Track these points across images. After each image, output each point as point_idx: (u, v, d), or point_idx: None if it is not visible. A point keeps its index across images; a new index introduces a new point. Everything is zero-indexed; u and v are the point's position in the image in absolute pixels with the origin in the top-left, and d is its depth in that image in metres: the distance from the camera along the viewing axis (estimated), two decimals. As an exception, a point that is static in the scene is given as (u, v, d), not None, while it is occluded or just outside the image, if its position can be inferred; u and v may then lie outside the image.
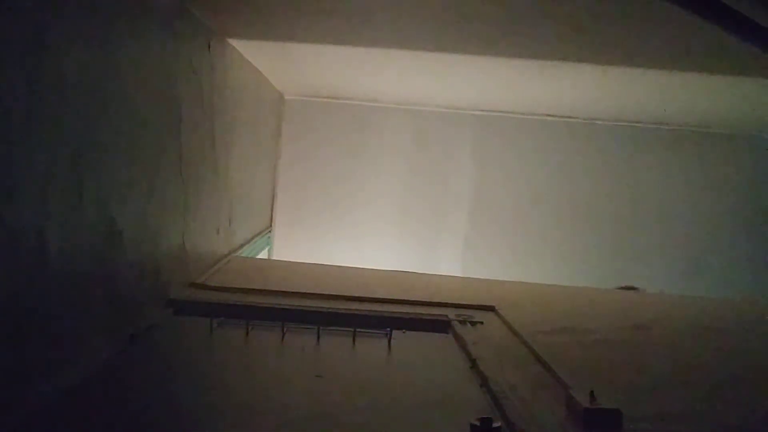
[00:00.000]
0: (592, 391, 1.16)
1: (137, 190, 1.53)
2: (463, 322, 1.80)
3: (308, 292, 2.00)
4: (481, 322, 1.82)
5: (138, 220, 1.55)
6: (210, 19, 2.08)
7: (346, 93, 4.01)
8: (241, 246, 2.96)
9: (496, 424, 1.05)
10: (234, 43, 2.50)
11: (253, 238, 3.32)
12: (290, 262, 2.86)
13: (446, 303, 1.99)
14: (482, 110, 4.26)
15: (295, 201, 4.30)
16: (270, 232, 4.11)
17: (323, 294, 1.99)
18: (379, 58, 2.68)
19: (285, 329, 1.64)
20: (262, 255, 3.75)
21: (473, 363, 1.46)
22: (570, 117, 4.23)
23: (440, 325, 1.81)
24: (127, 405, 1.17)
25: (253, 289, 1.99)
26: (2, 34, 0.97)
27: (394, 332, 1.68)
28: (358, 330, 1.66)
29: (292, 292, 1.98)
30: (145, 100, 1.56)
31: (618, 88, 2.99)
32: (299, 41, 2.47)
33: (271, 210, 4.25)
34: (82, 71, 1.22)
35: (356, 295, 2.00)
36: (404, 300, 2.00)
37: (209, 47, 2.14)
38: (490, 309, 1.97)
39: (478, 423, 1.04)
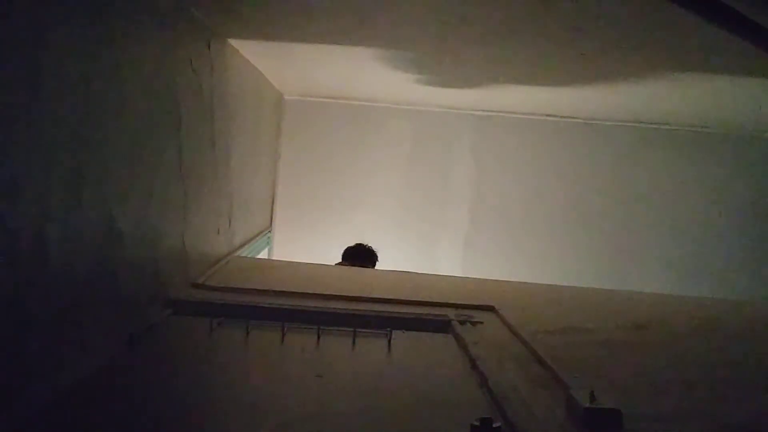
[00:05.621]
0: (592, 391, 1.16)
1: (137, 190, 1.53)
2: (463, 322, 1.80)
3: (308, 292, 2.00)
4: (481, 322, 1.82)
5: (138, 220, 1.55)
6: (210, 19, 2.08)
7: (346, 93, 4.01)
8: (241, 246, 2.96)
9: (496, 424, 1.05)
10: (234, 43, 2.50)
11: (253, 238, 3.32)
12: (290, 262, 2.86)
13: (446, 303, 1.99)
14: (482, 110, 4.27)
15: (295, 201, 4.30)
16: (270, 232, 4.11)
17: (323, 294, 1.99)
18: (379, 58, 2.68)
19: (285, 329, 1.64)
20: (262, 255, 3.75)
21: (473, 363, 1.46)
22: (570, 117, 4.23)
23: (440, 325, 1.81)
24: (127, 405, 1.17)
25: (253, 289, 1.99)
26: (2, 34, 0.97)
27: (394, 332, 1.68)
28: (358, 330, 1.66)
29: (292, 292, 1.98)
30: (145, 100, 1.56)
31: (618, 88, 3.00)
32: (299, 41, 2.47)
33: (271, 210, 4.25)
34: (82, 71, 1.22)
35: (356, 295, 2.00)
36: (404, 300, 2.00)
37: (209, 47, 2.14)
38: (490, 309, 1.97)
39: (478, 423, 1.04)
